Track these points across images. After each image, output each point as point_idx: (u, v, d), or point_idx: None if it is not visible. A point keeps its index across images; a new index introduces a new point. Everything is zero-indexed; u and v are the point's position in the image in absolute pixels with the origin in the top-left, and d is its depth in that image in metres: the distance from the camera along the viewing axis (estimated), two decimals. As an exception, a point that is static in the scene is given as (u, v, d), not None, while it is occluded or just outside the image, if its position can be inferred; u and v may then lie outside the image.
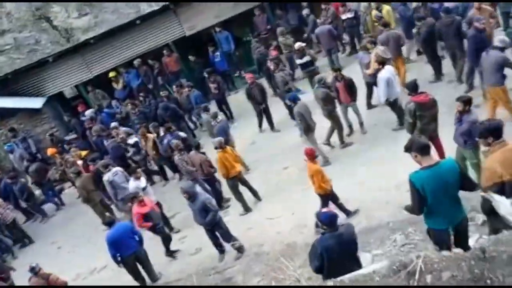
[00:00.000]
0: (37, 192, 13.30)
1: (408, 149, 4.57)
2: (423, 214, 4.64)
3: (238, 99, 13.47)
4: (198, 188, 8.75)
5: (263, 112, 11.56)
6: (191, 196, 7.77)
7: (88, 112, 13.68)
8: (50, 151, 13.18)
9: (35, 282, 7.86)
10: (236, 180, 9.03)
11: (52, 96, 15.07)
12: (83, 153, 12.27)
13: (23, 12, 16.23)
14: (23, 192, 12.35)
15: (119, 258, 7.91)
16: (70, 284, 8.56)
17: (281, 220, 8.29)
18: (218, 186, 9.56)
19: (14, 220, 11.81)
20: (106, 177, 9.89)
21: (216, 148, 8.98)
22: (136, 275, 8.14)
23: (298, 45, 11.93)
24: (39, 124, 14.84)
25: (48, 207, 13.03)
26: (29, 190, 12.64)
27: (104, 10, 15.64)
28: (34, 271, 7.89)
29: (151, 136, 11.28)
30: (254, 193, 9.25)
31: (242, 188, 9.12)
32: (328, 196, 7.55)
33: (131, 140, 11.70)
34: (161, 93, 13.16)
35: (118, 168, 10.17)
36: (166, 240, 8.76)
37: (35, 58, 14.89)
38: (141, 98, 13.67)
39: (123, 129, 12.25)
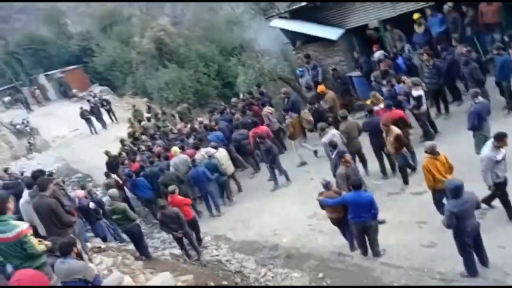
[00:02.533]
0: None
1: None
2: None
3: None
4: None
5: None
6: None
7: (377, 54, 13.02)
8: (320, 88, 13.43)
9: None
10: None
11: (350, 30, 14.94)
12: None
13: None
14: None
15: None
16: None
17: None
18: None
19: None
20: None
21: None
22: (360, 243, 7.99)
23: None
24: (331, 55, 15.18)
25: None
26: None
27: None
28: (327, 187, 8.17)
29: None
30: None
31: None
32: None
33: (416, 92, 10.62)
34: (460, 46, 11.19)
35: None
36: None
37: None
38: (439, 49, 12.05)
39: (412, 79, 11.22)
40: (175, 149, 12.78)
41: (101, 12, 39.41)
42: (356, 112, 14.20)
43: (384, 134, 9.45)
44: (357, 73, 14.30)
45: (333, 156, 9.60)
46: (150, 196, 12.48)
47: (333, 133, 10.26)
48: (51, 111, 31.55)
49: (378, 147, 10.02)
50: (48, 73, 36.21)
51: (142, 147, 15.37)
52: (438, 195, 7.50)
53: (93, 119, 23.42)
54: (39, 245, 5.64)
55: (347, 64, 15.00)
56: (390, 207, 9.06)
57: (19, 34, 42.19)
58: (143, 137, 16.85)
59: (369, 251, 8.03)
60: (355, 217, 7.72)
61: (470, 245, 6.49)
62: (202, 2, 35.55)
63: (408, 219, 8.50)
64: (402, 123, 9.69)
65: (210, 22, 35.76)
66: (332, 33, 14.78)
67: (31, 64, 39.40)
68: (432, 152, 7.51)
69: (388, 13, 13.85)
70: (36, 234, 6.80)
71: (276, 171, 11.89)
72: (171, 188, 10.26)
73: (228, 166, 12.24)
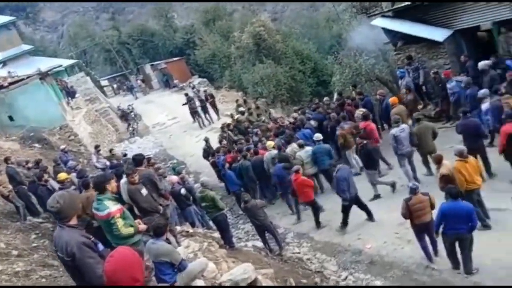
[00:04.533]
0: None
1: None
2: None
3: None
4: None
5: None
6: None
7: (482, 64, 11.98)
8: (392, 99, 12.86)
9: None
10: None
11: (459, 31, 13.95)
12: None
13: None
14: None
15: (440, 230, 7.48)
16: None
17: None
18: None
19: None
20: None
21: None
22: (451, 256, 7.51)
23: None
24: (435, 57, 14.33)
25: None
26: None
27: None
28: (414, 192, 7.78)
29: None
30: None
31: None
32: None
33: None
34: None
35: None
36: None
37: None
38: None
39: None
40: (269, 143, 13.02)
41: (206, 7, 41.20)
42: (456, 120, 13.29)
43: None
44: (462, 77, 13.31)
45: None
46: (236, 190, 12.81)
47: (402, 128, 10.51)
48: (153, 99, 33.81)
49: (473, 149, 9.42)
50: (153, 63, 38.74)
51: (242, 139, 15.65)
52: (470, 196, 7.96)
53: (201, 113, 23.18)
54: (126, 229, 6.02)
55: (452, 68, 14.04)
56: (491, 224, 8.37)
57: (131, 26, 45.73)
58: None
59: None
60: (450, 229, 7.24)
61: None
62: (300, 1, 35.46)
63: (509, 238, 7.78)
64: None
65: (310, 19, 35.70)
66: (438, 34, 13.94)
67: (139, 54, 42.47)
68: (461, 155, 8.05)
69: (505, 14, 12.68)
70: (134, 213, 7.38)
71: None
72: (295, 168, 10.78)
73: (310, 166, 12.04)
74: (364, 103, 14.38)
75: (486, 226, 8.18)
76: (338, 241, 9.93)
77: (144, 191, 7.65)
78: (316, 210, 10.84)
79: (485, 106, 10.63)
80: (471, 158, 8.21)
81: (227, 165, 13.14)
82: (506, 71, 12.23)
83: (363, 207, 10.03)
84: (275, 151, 12.50)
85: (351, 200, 9.82)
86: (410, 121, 11.34)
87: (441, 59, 14.21)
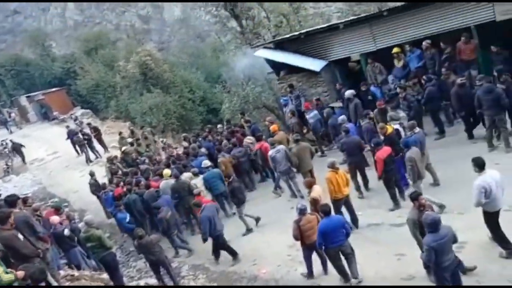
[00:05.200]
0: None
1: None
2: None
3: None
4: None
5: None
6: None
7: (347, 93, 13.32)
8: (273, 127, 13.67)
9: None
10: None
11: (333, 62, 15.25)
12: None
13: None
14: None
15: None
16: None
17: None
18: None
19: None
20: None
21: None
22: (341, 270, 7.85)
23: None
24: (314, 86, 15.41)
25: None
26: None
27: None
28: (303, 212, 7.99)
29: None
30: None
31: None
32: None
33: (395, 125, 10.85)
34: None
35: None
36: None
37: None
38: (423, 81, 12.53)
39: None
40: (166, 171, 12.73)
41: (87, 36, 39.56)
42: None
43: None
44: (339, 104, 14.52)
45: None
46: (130, 230, 11.81)
47: (277, 149, 11.58)
48: (30, 133, 31.06)
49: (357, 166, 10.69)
50: (30, 94, 35.84)
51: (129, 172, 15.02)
52: (336, 204, 9.13)
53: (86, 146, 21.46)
54: (6, 275, 5.44)
55: (330, 95, 15.23)
56: (369, 237, 9.06)
57: (3, 55, 41.92)
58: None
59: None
60: (332, 243, 7.63)
61: (448, 279, 6.48)
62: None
63: (386, 251, 8.48)
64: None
65: (197, 49, 36.18)
66: (315, 64, 15.07)
67: (13, 85, 39.02)
68: (333, 166, 9.06)
69: (369, 47, 14.24)
70: (8, 261, 6.60)
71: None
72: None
73: (205, 193, 11.99)
74: (252, 130, 14.94)
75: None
76: (234, 269, 9.91)
77: (20, 236, 6.91)
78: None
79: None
80: (340, 171, 9.14)
81: (119, 201, 12.47)
82: (376, 97, 13.70)
83: (226, 247, 10.06)
84: (172, 180, 12.25)
85: (217, 238, 9.89)
86: (294, 144, 11.92)
87: (319, 87, 15.33)
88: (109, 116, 32.05)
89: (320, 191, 8.87)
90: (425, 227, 6.39)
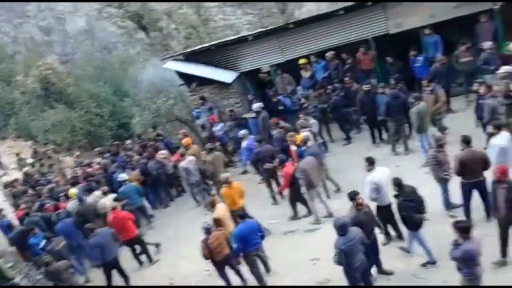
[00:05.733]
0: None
1: None
2: None
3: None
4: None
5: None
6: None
7: (255, 106, 13.63)
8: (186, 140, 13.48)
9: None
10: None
11: (244, 73, 15.45)
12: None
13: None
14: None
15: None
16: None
17: None
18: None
19: None
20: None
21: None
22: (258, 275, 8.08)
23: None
24: (227, 97, 15.49)
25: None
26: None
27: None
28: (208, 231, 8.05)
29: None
30: None
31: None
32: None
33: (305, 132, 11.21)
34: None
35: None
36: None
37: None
38: (328, 91, 13.19)
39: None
40: (72, 191, 12.04)
41: (-21, 49, 36.23)
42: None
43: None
44: (251, 114, 14.70)
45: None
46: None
47: (189, 160, 11.85)
48: None
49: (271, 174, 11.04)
50: None
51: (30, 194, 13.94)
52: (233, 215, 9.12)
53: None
54: None
55: (242, 106, 15.38)
56: (286, 245, 9.22)
57: None
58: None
59: None
60: (250, 246, 7.89)
61: (359, 279, 6.79)
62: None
63: (303, 257, 8.68)
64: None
65: (103, 61, 34.65)
66: (226, 76, 15.16)
67: None
68: (226, 182, 9.44)
69: (278, 58, 14.66)
70: None
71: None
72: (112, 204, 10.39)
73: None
74: (165, 144, 14.66)
75: None
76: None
77: None
78: (144, 246, 10.39)
79: (245, 144, 12.30)
80: (235, 184, 9.60)
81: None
82: (286, 107, 14.12)
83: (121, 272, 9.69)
84: (77, 203, 11.57)
85: (107, 265, 9.44)
86: (209, 157, 11.85)
87: (232, 99, 15.43)
88: (8, 135, 29.44)
89: (224, 210, 8.91)
90: (335, 230, 6.64)
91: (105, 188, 11.95)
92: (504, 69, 9.84)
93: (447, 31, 12.78)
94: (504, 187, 6.56)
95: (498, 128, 7.95)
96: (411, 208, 7.14)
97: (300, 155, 10.08)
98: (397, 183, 7.32)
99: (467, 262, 5.88)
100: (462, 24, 12.23)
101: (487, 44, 11.40)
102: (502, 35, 11.85)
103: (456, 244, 5.94)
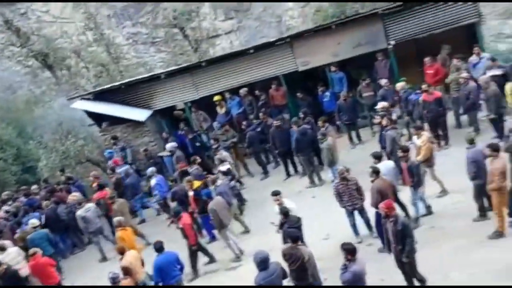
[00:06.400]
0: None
1: None
2: None
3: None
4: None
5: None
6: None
7: (168, 146, 13.60)
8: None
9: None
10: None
11: (158, 111, 15.22)
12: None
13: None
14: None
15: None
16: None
17: None
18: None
19: None
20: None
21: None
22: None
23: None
24: (140, 136, 15.05)
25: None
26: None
27: (248, 16, 16.32)
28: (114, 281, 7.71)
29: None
30: None
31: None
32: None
33: (224, 167, 11.36)
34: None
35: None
36: None
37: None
38: (243, 127, 13.40)
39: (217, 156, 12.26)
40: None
41: None
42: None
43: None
44: (167, 153, 14.41)
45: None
46: None
47: (87, 208, 11.47)
48: None
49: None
50: None
51: None
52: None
53: None
54: None
55: (157, 144, 15.04)
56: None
57: None
58: None
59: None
60: (171, 278, 7.91)
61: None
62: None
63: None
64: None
65: (7, 101, 32.35)
66: (139, 114, 14.81)
67: None
68: (120, 225, 9.57)
69: (192, 95, 14.69)
70: None
71: None
72: (31, 251, 9.70)
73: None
74: (76, 187, 13.85)
75: None
76: None
77: None
78: None
79: (153, 181, 12.20)
80: (128, 229, 9.77)
81: None
82: (203, 143, 14.10)
83: None
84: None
85: None
86: (115, 205, 11.32)
87: (146, 137, 15.02)
88: None
89: (133, 257, 8.43)
90: (256, 265, 6.57)
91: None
92: (381, 105, 10.93)
93: (351, 68, 13.78)
94: (391, 221, 6.87)
95: (378, 158, 8.90)
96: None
97: (208, 196, 10.10)
98: (284, 212, 7.98)
99: (357, 282, 6.16)
100: (364, 61, 13.28)
101: (383, 81, 12.45)
102: (397, 72, 13.00)
103: (344, 268, 6.21)
